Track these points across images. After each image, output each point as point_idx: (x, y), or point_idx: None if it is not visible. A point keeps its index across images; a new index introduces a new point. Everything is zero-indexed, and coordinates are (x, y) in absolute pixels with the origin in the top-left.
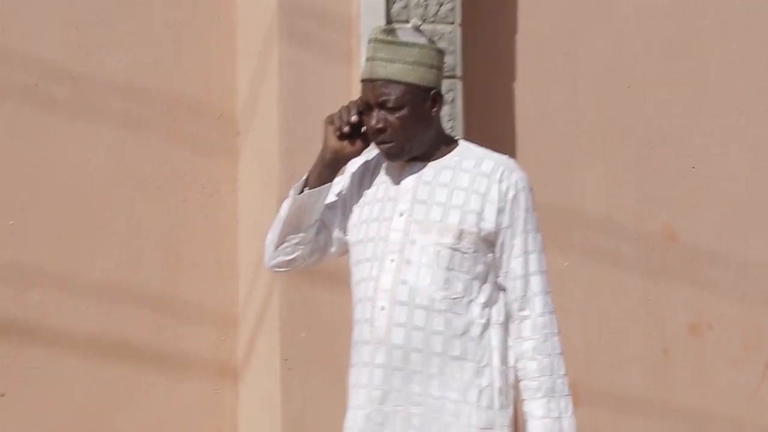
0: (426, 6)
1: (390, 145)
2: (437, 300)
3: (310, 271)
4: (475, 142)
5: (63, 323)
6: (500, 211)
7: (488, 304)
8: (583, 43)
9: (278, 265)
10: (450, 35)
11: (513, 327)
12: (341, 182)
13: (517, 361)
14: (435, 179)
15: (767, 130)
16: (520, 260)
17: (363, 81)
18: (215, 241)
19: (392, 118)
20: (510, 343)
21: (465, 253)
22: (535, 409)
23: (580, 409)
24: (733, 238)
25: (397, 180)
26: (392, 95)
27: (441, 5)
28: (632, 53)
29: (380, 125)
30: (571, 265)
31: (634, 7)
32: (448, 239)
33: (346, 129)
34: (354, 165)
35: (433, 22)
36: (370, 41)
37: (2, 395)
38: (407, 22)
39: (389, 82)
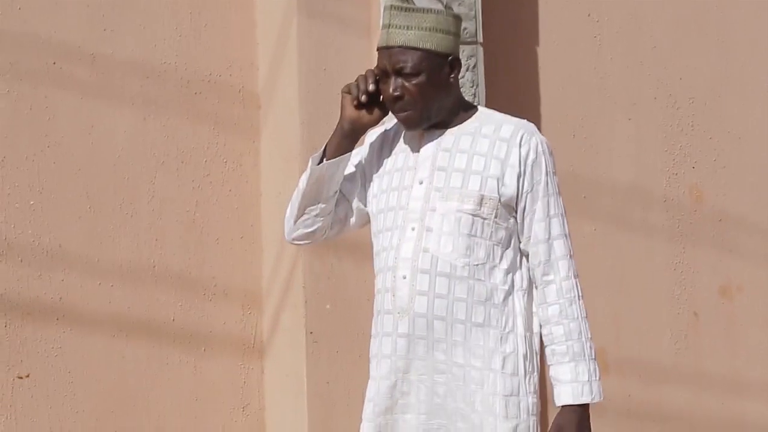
0: None
1: (408, 112)
2: (459, 267)
3: (333, 243)
4: (498, 109)
5: (86, 303)
6: (521, 175)
7: (511, 270)
8: (606, 4)
9: (298, 238)
10: (470, 1)
11: (537, 292)
12: (360, 153)
13: (542, 326)
14: (454, 146)
15: None
16: (542, 224)
17: (379, 49)
18: (238, 216)
19: (409, 84)
20: (534, 308)
21: (486, 219)
22: (562, 373)
23: (609, 376)
24: (761, 199)
25: (416, 148)
26: (409, 62)
27: None
28: (657, 13)
29: (398, 92)
30: (599, 230)
31: None
32: (469, 205)
33: (363, 98)
34: (372, 135)
35: None
36: (385, 9)
37: (27, 376)
38: None
39: (406, 48)
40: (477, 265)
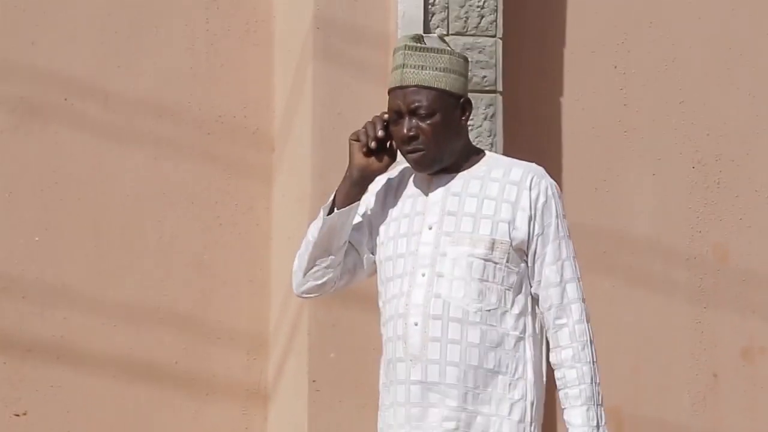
0: (466, 18)
1: (421, 153)
2: (471, 312)
3: (340, 291)
4: (517, 158)
5: (89, 342)
6: (532, 218)
7: (522, 314)
8: (633, 56)
9: (308, 291)
10: (490, 49)
11: (550, 335)
12: (365, 201)
13: (555, 369)
14: (464, 190)
15: None
16: (554, 268)
17: (393, 89)
18: (248, 261)
19: (424, 125)
20: (545, 352)
21: (498, 263)
22: (574, 416)
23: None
24: None
25: (424, 193)
26: (424, 101)
27: (482, 18)
28: (685, 67)
29: (413, 132)
30: (619, 286)
31: (687, 18)
32: (481, 250)
33: (372, 144)
34: (377, 183)
35: (473, 35)
36: (398, 50)
37: (24, 414)
38: (447, 35)
39: (421, 88)
40: (489, 310)
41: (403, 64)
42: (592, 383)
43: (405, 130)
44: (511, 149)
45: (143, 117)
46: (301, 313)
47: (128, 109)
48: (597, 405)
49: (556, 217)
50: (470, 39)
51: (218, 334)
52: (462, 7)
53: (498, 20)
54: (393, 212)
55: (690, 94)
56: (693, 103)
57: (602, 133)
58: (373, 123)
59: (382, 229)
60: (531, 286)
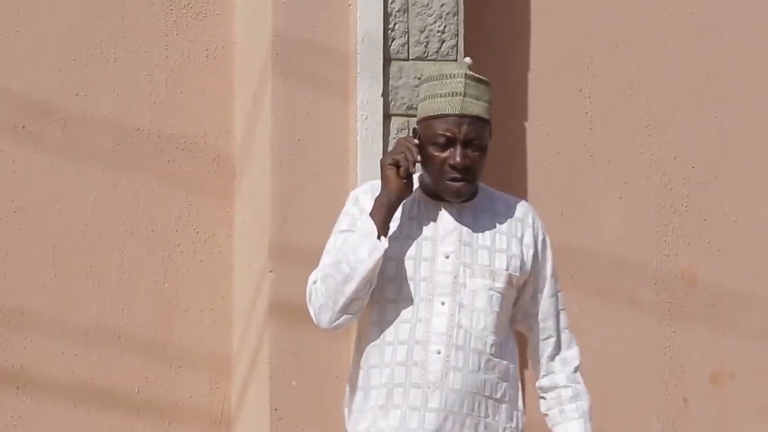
0: (427, 43)
1: (465, 183)
2: (488, 344)
3: (302, 318)
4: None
5: (49, 372)
6: (535, 256)
7: (513, 347)
8: (598, 79)
9: (341, 325)
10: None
11: (543, 362)
12: (358, 219)
13: (547, 392)
14: (475, 222)
15: None
16: (552, 300)
17: (444, 116)
18: (209, 288)
19: (475, 156)
20: (535, 377)
21: (506, 297)
22: (572, 428)
23: None
24: (757, 282)
25: (432, 218)
26: (481, 134)
27: (443, 42)
28: (651, 90)
29: (468, 162)
30: (586, 311)
31: (652, 42)
32: (500, 284)
33: (412, 169)
34: (364, 200)
35: (434, 59)
36: (455, 76)
37: None
38: (406, 60)
39: (479, 120)
40: (500, 343)
41: (464, 93)
42: (586, 401)
43: (460, 158)
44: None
45: (102, 144)
46: (263, 340)
47: (87, 136)
48: (591, 420)
49: (550, 253)
50: (430, 64)
51: (180, 362)
52: (422, 32)
53: (459, 45)
54: (393, 233)
55: (656, 117)
56: (659, 126)
57: (567, 157)
58: (408, 148)
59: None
60: (518, 317)
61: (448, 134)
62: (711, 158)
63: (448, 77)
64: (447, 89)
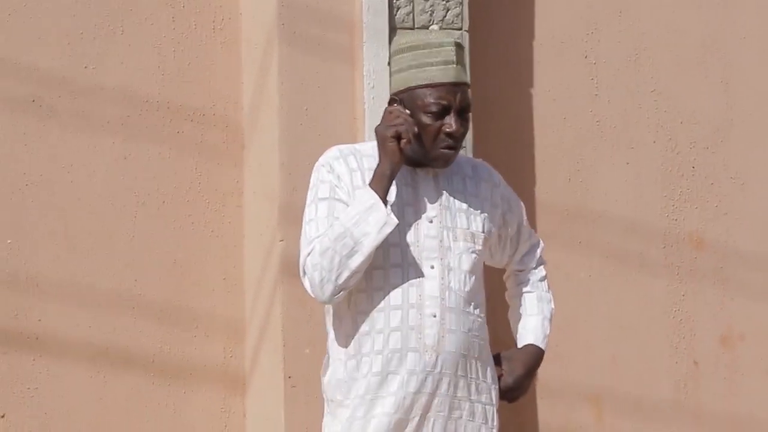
0: (432, 12)
1: (455, 150)
2: (473, 305)
3: None
4: (491, 152)
5: (64, 342)
6: (506, 211)
7: (485, 306)
8: (604, 45)
9: (340, 298)
10: (457, 39)
11: (524, 272)
12: (337, 186)
13: (520, 273)
14: (450, 186)
15: None
16: (530, 240)
17: (438, 84)
18: (221, 258)
19: (464, 122)
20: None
21: (481, 259)
22: (531, 324)
23: (604, 423)
24: (765, 245)
25: (410, 185)
26: (469, 101)
27: (448, 11)
28: (656, 56)
29: (463, 129)
30: (595, 276)
31: (657, 7)
32: (479, 246)
33: (413, 141)
34: (338, 166)
35: (439, 28)
36: (444, 44)
37: (2, 416)
38: (412, 28)
39: (467, 87)
40: (481, 304)
41: (455, 61)
42: (550, 316)
43: (456, 126)
44: (482, 142)
45: (112, 116)
46: (275, 309)
47: (97, 109)
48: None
49: (518, 200)
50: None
51: (194, 331)
52: (427, 0)
53: (464, 13)
54: None
55: (662, 82)
56: (665, 91)
57: (574, 123)
58: (407, 120)
59: None
60: (503, 258)
61: (444, 102)
62: (717, 122)
63: (437, 46)
64: (438, 58)
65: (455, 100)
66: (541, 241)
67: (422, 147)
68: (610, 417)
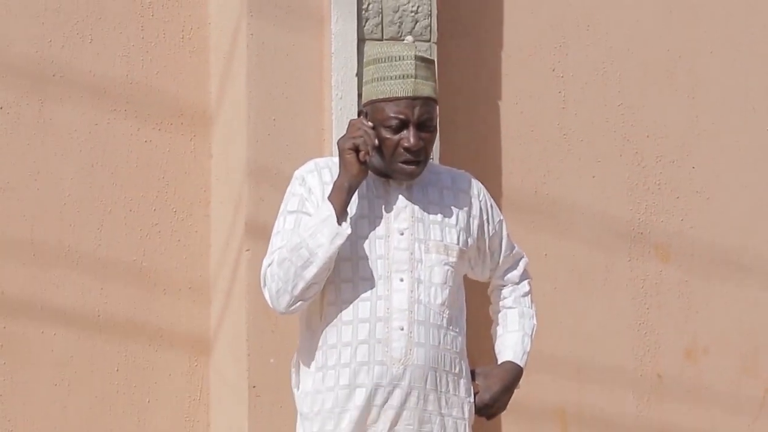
0: (401, 23)
1: (419, 165)
2: (446, 318)
3: None
4: (458, 164)
5: (28, 351)
6: (481, 225)
7: (465, 323)
8: (571, 59)
9: (297, 309)
10: (425, 53)
11: (507, 288)
12: (306, 200)
13: (504, 287)
14: (425, 197)
15: (764, 148)
16: (511, 254)
17: (398, 99)
18: (187, 267)
19: (428, 136)
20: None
21: (458, 271)
22: (510, 340)
23: None
24: (729, 258)
25: (381, 197)
26: (433, 115)
27: (416, 22)
28: (623, 69)
29: (422, 144)
30: (561, 289)
31: (625, 21)
32: (453, 258)
33: (372, 153)
34: (309, 179)
35: (413, 39)
36: (405, 58)
37: None
38: (380, 39)
39: (430, 101)
40: (455, 317)
41: (414, 75)
42: (531, 332)
43: (414, 140)
44: (449, 154)
45: (79, 125)
46: (240, 319)
47: (65, 117)
48: (531, 338)
49: (499, 214)
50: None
51: (158, 341)
52: (396, 12)
53: (432, 24)
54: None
55: (629, 96)
56: (632, 105)
57: (541, 136)
58: (366, 132)
59: None
60: (483, 273)
61: (401, 117)
62: (683, 136)
63: (398, 59)
64: (397, 71)
65: (413, 114)
66: (525, 256)
67: (383, 160)
68: (575, 429)
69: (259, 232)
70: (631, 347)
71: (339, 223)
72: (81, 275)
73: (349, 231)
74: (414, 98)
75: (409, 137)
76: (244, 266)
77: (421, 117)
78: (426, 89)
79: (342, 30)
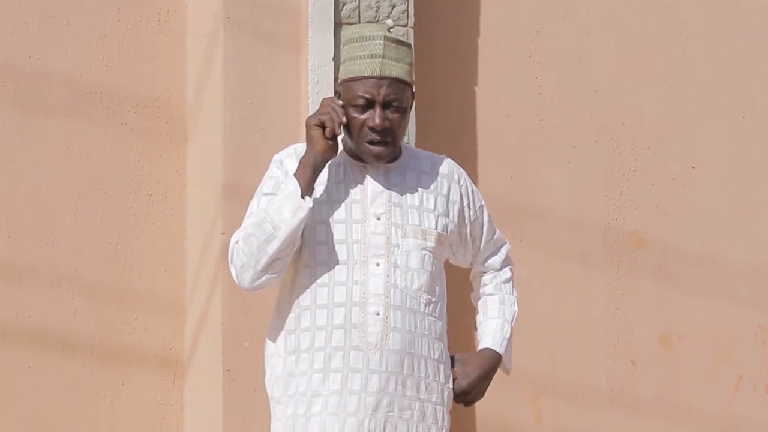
0: (378, 8)
1: (386, 146)
2: (423, 303)
3: None
4: (434, 149)
5: (2, 333)
6: (466, 207)
7: (444, 303)
8: (548, 45)
9: (262, 285)
10: (402, 38)
11: (489, 274)
12: (283, 182)
13: (485, 297)
14: (403, 182)
15: (738, 136)
16: (493, 240)
17: (363, 78)
18: (162, 251)
19: (395, 117)
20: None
21: (437, 256)
22: (490, 327)
23: (543, 422)
24: (704, 246)
25: (359, 181)
26: (400, 95)
27: (394, 7)
28: (599, 56)
29: (387, 124)
30: (535, 275)
31: (601, 8)
32: (431, 243)
33: (339, 131)
34: (288, 163)
35: (393, 22)
36: (371, 38)
37: None
38: (358, 24)
39: (398, 81)
40: (434, 301)
41: (382, 55)
42: (512, 319)
43: (379, 120)
44: (425, 139)
45: (55, 106)
46: (215, 302)
47: (40, 99)
48: (511, 324)
49: (480, 199)
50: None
51: (133, 323)
52: None
53: (409, 9)
54: (320, 196)
55: (605, 82)
56: (608, 91)
57: (517, 122)
58: (333, 109)
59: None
60: (465, 259)
61: (367, 96)
62: (658, 123)
63: (368, 39)
64: (366, 51)
65: (378, 93)
66: (507, 242)
67: (352, 140)
68: (549, 415)
69: (234, 216)
70: (606, 333)
71: (303, 197)
72: (56, 257)
73: (310, 205)
74: (380, 78)
75: (374, 117)
76: (220, 250)
77: (387, 97)
78: (394, 70)
79: (319, 14)
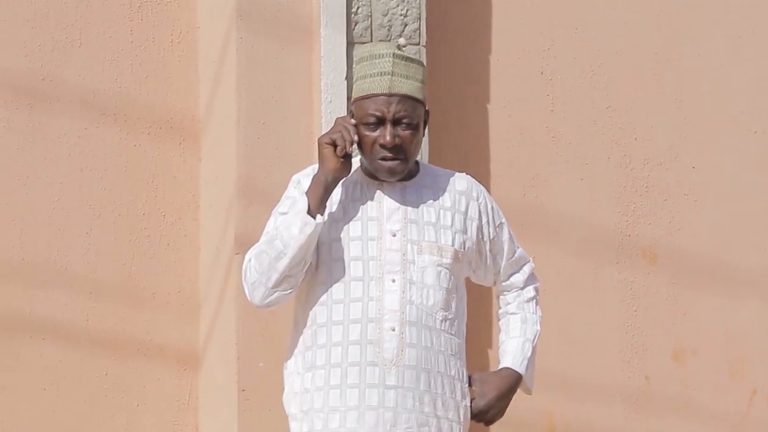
0: (390, 27)
1: (398, 162)
2: (439, 320)
3: None
4: (447, 167)
5: (17, 356)
6: (485, 225)
7: (462, 322)
8: (559, 61)
9: (274, 302)
10: (414, 56)
11: (511, 293)
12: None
13: (509, 292)
14: (419, 199)
15: (751, 151)
16: (514, 258)
17: (373, 95)
18: (176, 272)
19: (406, 134)
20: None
21: (456, 274)
22: (511, 346)
23: None
24: (717, 262)
25: (373, 198)
26: (410, 112)
27: (406, 26)
28: (611, 72)
29: (398, 141)
30: (549, 291)
31: (613, 24)
32: (447, 259)
33: (350, 149)
34: (306, 183)
35: (405, 41)
36: (382, 56)
37: None
38: (370, 43)
39: (408, 98)
40: (450, 318)
41: (392, 72)
42: (534, 338)
43: (389, 138)
44: (438, 157)
45: (69, 129)
46: (230, 322)
47: (54, 121)
48: (533, 344)
49: (501, 217)
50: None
51: (148, 344)
52: (385, 15)
53: (421, 28)
54: (336, 214)
55: (617, 98)
56: (620, 107)
57: (529, 138)
58: (345, 128)
59: (325, 228)
60: (486, 277)
61: (378, 114)
62: (671, 139)
63: (378, 57)
64: (376, 69)
65: (388, 111)
66: (530, 261)
67: (365, 158)
68: (563, 430)
69: (249, 236)
70: (619, 349)
71: (313, 215)
72: (70, 279)
73: (319, 221)
74: (390, 95)
75: (384, 134)
76: (234, 270)
77: (397, 114)
78: (404, 87)
79: (331, 34)
